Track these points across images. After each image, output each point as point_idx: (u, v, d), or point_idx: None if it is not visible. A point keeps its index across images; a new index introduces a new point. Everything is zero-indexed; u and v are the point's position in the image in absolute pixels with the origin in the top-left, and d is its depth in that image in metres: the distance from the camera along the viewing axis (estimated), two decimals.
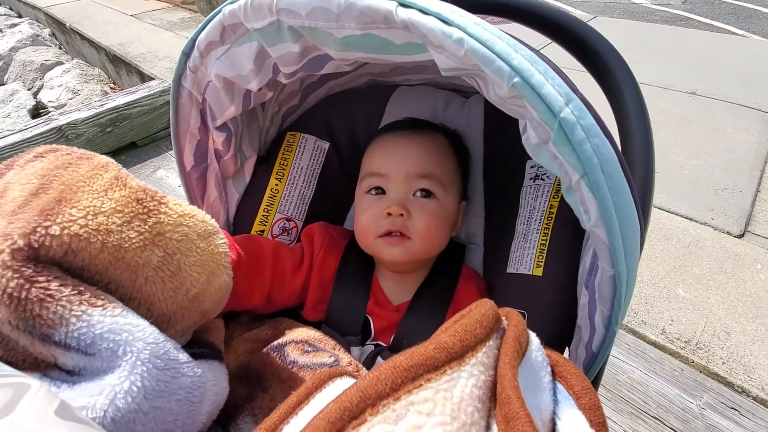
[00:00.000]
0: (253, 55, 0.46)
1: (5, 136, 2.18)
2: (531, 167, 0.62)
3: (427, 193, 0.61)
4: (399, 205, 0.59)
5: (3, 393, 0.22)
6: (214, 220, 0.38)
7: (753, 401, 1.19)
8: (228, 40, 0.45)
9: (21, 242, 0.28)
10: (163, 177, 2.27)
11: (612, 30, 3.07)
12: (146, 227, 0.33)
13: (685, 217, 1.68)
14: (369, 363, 0.59)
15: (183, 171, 0.58)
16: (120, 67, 3.25)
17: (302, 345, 0.49)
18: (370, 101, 0.76)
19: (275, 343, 0.50)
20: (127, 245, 0.31)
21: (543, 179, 0.60)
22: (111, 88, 3.40)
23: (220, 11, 0.43)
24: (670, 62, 2.61)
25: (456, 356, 0.23)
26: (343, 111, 0.75)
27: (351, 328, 0.61)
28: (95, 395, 0.27)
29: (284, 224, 0.70)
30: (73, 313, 0.28)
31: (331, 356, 0.48)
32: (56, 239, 0.29)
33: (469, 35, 0.30)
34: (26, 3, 4.45)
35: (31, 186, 0.31)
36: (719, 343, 1.30)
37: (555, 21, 0.51)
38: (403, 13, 0.32)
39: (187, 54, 0.47)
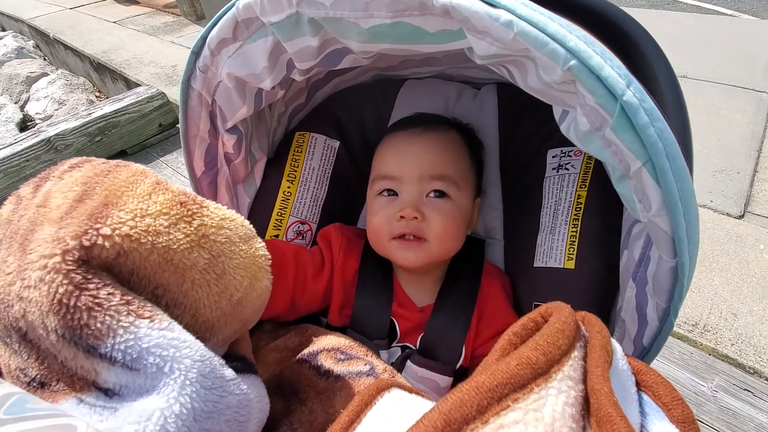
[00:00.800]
0: (267, 52, 0.43)
1: None
2: (553, 157, 0.61)
3: (440, 194, 0.58)
4: (412, 208, 0.57)
5: None
6: (250, 224, 0.37)
7: (766, 382, 1.19)
8: (241, 37, 0.42)
9: (73, 244, 0.27)
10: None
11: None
12: (192, 229, 0.32)
13: None
14: (398, 366, 0.57)
15: (193, 177, 0.56)
16: (105, 75, 3.18)
17: (334, 353, 0.47)
18: (379, 96, 0.73)
19: (306, 352, 0.47)
20: (175, 246, 0.31)
21: (567, 169, 0.58)
22: (96, 97, 3.33)
23: (233, 5, 0.40)
24: (660, 44, 2.61)
25: (541, 372, 0.21)
26: (351, 108, 0.73)
27: (377, 332, 0.59)
28: (143, 420, 0.25)
29: (299, 227, 0.67)
30: (120, 323, 0.27)
31: (366, 364, 0.46)
32: (108, 240, 0.28)
33: (519, 17, 0.28)
34: (9, 16, 4.35)
35: (74, 193, 0.31)
36: (727, 325, 1.30)
37: (578, 1, 0.49)
38: None
39: (196, 53, 0.45)
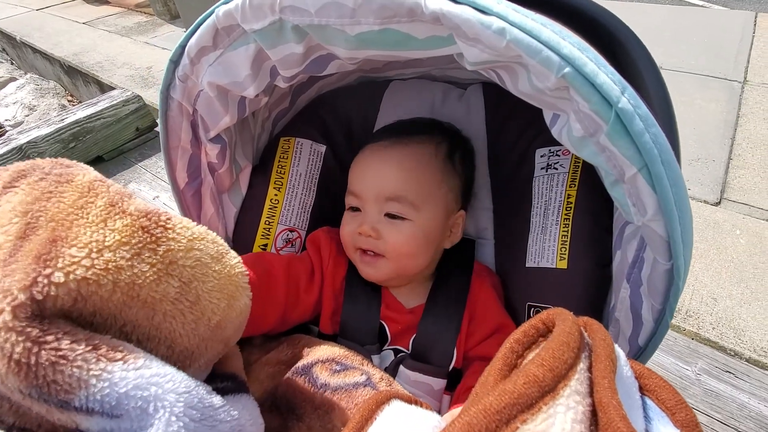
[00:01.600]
0: (250, 59, 0.41)
1: None
2: (541, 156, 0.61)
3: (395, 216, 0.58)
4: (369, 226, 0.58)
5: None
6: (221, 238, 0.35)
7: (746, 363, 1.23)
8: (221, 44, 0.41)
9: (22, 297, 0.24)
10: (136, 191, 2.16)
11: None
12: (158, 258, 0.29)
13: None
14: (392, 372, 0.56)
15: (176, 189, 0.54)
16: (76, 78, 3.08)
17: (329, 364, 0.46)
18: (364, 99, 0.72)
19: (300, 365, 0.46)
20: (140, 281, 0.28)
21: (556, 168, 0.58)
22: (69, 101, 3.22)
23: (212, 13, 0.38)
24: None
25: (549, 389, 0.21)
26: (336, 111, 0.71)
27: (368, 337, 0.58)
28: None
29: (287, 235, 0.66)
30: (91, 373, 0.24)
31: (362, 374, 0.46)
32: (62, 287, 0.25)
33: (512, 24, 0.27)
34: None
35: (16, 227, 0.27)
36: (707, 310, 1.34)
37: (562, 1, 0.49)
38: (433, 4, 0.29)
39: (175, 62, 0.43)
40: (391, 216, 0.58)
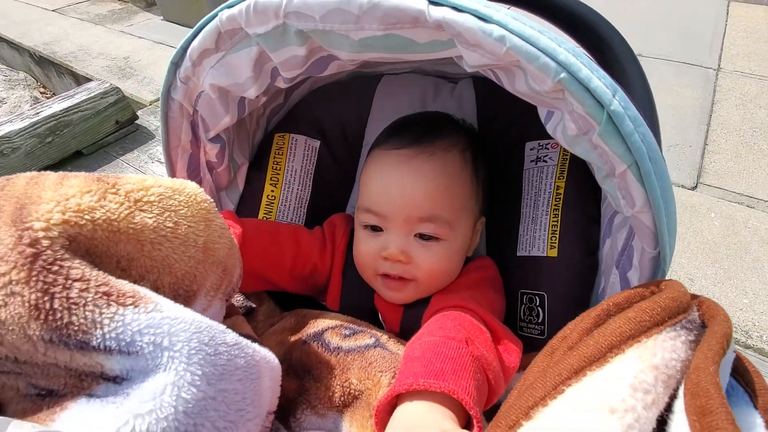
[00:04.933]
0: (252, 62, 0.42)
1: None
2: (531, 149, 0.63)
3: (429, 237, 0.54)
4: (398, 251, 0.53)
5: None
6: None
7: None
8: (224, 47, 0.41)
9: (16, 253, 0.26)
10: None
11: None
12: (122, 197, 0.31)
13: None
14: None
15: None
16: (49, 69, 2.97)
17: (339, 329, 0.48)
18: (357, 93, 0.73)
19: (311, 332, 0.48)
20: (115, 216, 0.30)
21: (545, 161, 0.60)
22: (41, 93, 3.11)
23: (215, 16, 0.39)
24: (615, 24, 2.71)
25: (656, 324, 0.24)
26: (330, 106, 0.72)
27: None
28: (157, 396, 0.26)
29: None
30: (103, 315, 0.27)
31: (371, 336, 0.48)
32: (46, 232, 0.27)
33: (511, 32, 0.29)
34: None
35: None
36: None
37: (550, 2, 0.51)
38: (436, 12, 0.30)
39: (176, 64, 0.43)
40: (423, 237, 0.54)
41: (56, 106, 2.21)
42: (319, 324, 0.50)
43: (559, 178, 0.58)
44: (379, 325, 0.61)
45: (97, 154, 2.37)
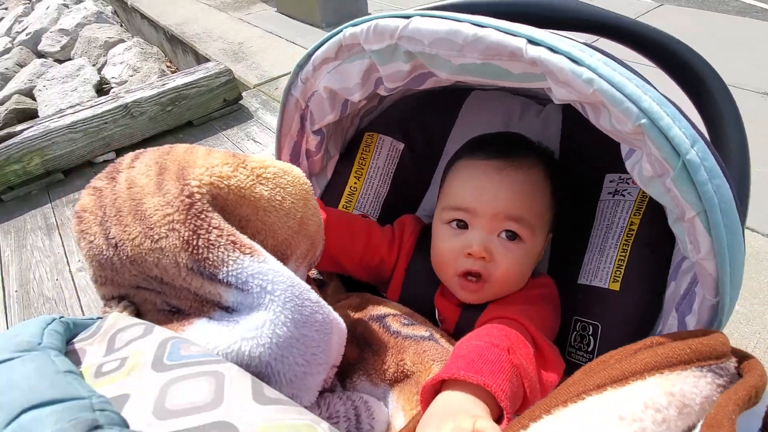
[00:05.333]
0: (362, 71, 0.49)
1: (78, 111, 2.34)
2: (610, 181, 0.63)
3: (513, 235, 0.56)
4: (481, 247, 0.55)
5: (207, 383, 0.27)
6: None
7: None
8: (341, 57, 0.48)
9: (179, 201, 0.36)
10: None
11: (679, 21, 2.89)
12: (248, 171, 0.40)
13: (747, 228, 1.61)
14: None
15: None
16: (177, 47, 3.36)
17: (399, 317, 0.54)
18: (445, 104, 0.78)
19: (374, 314, 0.55)
20: (242, 185, 0.39)
21: (623, 195, 0.61)
22: (167, 66, 3.53)
23: (340, 32, 0.46)
24: (743, 58, 2.45)
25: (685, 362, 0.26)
26: (418, 114, 0.77)
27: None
28: (259, 328, 0.34)
29: None
30: (230, 257, 0.35)
31: (426, 330, 0.53)
32: (199, 189, 0.36)
33: (600, 76, 0.32)
34: None
35: (153, 170, 0.39)
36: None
37: (650, 39, 0.51)
38: (533, 51, 0.34)
39: (301, 66, 0.51)
40: (510, 234, 0.56)
41: (179, 80, 2.52)
42: (382, 309, 0.56)
43: (634, 215, 0.58)
44: (434, 322, 0.65)
45: (204, 126, 2.66)
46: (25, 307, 1.72)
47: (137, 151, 0.43)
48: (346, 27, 0.45)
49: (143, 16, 3.65)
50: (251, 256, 0.36)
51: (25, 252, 1.96)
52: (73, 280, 1.80)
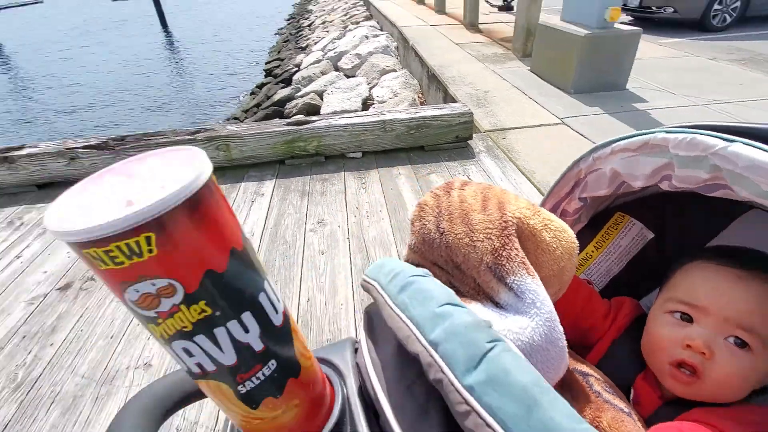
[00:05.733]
0: (655, 166, 0.57)
1: (351, 117, 2.98)
2: None
3: (742, 343, 0.55)
4: (704, 342, 0.55)
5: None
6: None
7: None
8: (641, 151, 0.57)
9: (498, 223, 0.51)
10: (434, 181, 2.69)
11: None
12: (540, 219, 0.53)
13: None
14: None
15: None
16: (432, 83, 3.92)
17: (603, 383, 0.58)
18: (715, 212, 0.76)
19: (577, 368, 0.60)
20: (536, 226, 0.52)
21: None
22: (418, 97, 4.13)
23: (652, 133, 0.55)
24: None
25: None
26: (682, 212, 0.78)
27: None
28: (522, 329, 0.46)
29: None
30: (519, 271, 0.49)
31: (627, 406, 0.56)
32: (511, 220, 0.51)
33: None
34: (390, 20, 5.81)
35: (480, 196, 0.55)
36: None
37: None
38: None
39: (597, 149, 0.63)
40: (737, 342, 0.55)
41: (429, 111, 2.95)
42: (586, 368, 0.62)
43: None
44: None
45: (432, 153, 3.04)
46: (271, 241, 2.30)
47: (463, 179, 0.62)
48: (659, 131, 0.54)
49: (416, 54, 4.38)
50: (532, 278, 0.49)
51: (284, 204, 2.62)
52: (304, 235, 2.33)
